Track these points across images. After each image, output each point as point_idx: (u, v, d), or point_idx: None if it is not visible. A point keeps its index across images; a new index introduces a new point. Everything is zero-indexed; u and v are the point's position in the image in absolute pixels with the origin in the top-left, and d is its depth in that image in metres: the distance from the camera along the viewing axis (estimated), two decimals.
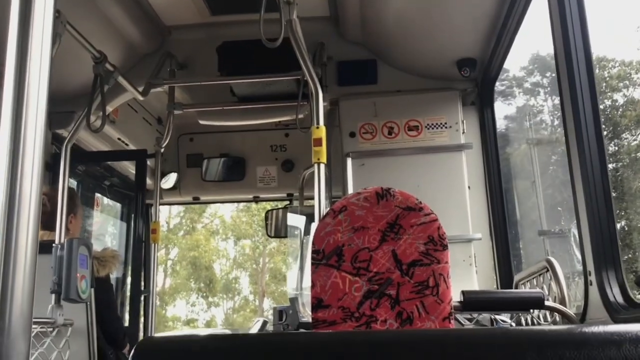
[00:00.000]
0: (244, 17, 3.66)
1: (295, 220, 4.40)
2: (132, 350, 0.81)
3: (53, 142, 3.91)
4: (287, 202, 4.97)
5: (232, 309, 25.08)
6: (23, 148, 0.80)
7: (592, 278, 1.99)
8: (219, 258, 24.79)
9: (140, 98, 3.86)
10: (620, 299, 1.90)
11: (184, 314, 24.40)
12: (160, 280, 23.67)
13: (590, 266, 2.01)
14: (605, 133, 2.12)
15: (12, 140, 0.80)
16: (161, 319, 22.80)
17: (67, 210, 3.16)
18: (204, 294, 24.12)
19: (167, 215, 23.44)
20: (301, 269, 4.19)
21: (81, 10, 3.18)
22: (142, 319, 4.29)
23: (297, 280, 4.14)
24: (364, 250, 1.86)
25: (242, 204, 22.07)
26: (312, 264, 1.88)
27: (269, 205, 5.07)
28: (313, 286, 1.87)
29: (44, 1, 0.85)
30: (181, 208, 22.68)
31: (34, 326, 2.62)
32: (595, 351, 0.72)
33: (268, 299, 24.23)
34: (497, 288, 3.54)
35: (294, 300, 3.44)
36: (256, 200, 5.20)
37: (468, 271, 3.47)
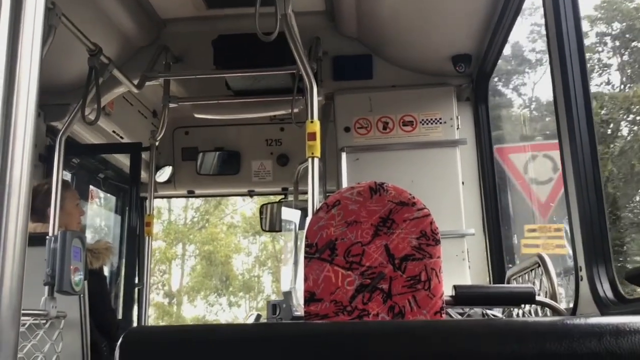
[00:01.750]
0: (240, 10, 3.66)
1: (290, 215, 4.40)
2: (121, 338, 0.81)
3: (47, 134, 3.90)
4: (282, 197, 4.97)
5: (255, 308, 24.23)
6: (13, 138, 0.80)
7: (583, 273, 2.01)
8: (239, 254, 23.60)
9: (135, 91, 3.85)
10: (610, 295, 1.91)
11: (204, 315, 23.12)
12: (177, 277, 23.00)
13: (581, 261, 2.02)
14: None
15: (2, 131, 0.80)
16: (178, 319, 21.82)
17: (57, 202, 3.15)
18: (221, 292, 23.02)
19: (183, 206, 22.68)
20: (295, 263, 4.20)
21: (76, 2, 3.17)
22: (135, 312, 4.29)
23: (292, 274, 4.15)
24: (357, 245, 1.87)
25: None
26: (305, 257, 1.89)
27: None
28: (306, 280, 1.87)
29: None
30: (198, 202, 21.89)
31: (26, 318, 2.63)
32: (576, 343, 0.73)
33: None
34: (490, 283, 3.56)
35: (287, 294, 3.45)
36: (251, 194, 5.20)
37: (461, 266, 3.48)
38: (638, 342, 0.73)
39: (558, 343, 0.72)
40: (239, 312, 23.29)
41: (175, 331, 0.86)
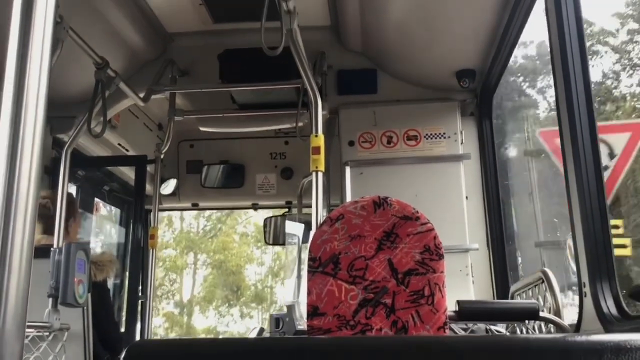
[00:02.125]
0: (246, 25, 3.69)
1: (294, 228, 4.41)
2: (124, 353, 0.81)
3: (53, 146, 3.92)
4: (286, 210, 4.98)
5: (267, 320, 23.15)
6: (21, 151, 0.81)
7: (587, 289, 2.00)
8: (251, 264, 23.02)
9: (141, 104, 3.87)
10: (614, 311, 1.90)
11: (215, 325, 22.52)
12: (188, 286, 22.60)
13: (585, 277, 2.01)
14: None
15: (11, 143, 0.81)
16: (189, 330, 21.43)
17: (67, 214, 3.17)
18: (232, 303, 22.49)
19: (194, 214, 22.28)
20: (298, 276, 4.19)
21: (84, 16, 3.20)
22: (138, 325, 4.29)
23: (295, 288, 4.14)
24: (360, 259, 1.87)
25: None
26: (309, 271, 1.89)
27: None
28: (309, 294, 1.87)
29: (45, 6, 0.86)
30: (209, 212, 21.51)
31: (30, 330, 2.63)
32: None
33: None
34: (494, 298, 3.54)
35: (290, 308, 3.44)
36: (255, 207, 5.21)
37: (465, 281, 3.47)
38: (639, 359, 0.73)
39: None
40: (251, 323, 22.67)
41: (180, 345, 0.86)
